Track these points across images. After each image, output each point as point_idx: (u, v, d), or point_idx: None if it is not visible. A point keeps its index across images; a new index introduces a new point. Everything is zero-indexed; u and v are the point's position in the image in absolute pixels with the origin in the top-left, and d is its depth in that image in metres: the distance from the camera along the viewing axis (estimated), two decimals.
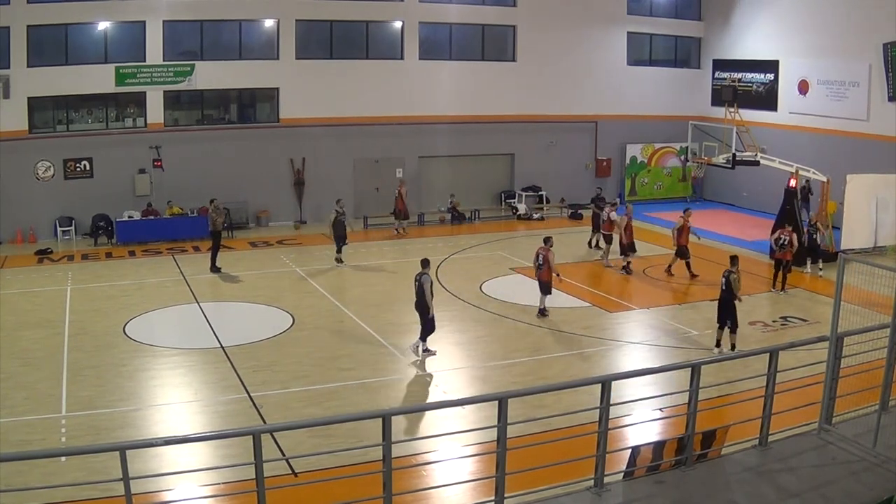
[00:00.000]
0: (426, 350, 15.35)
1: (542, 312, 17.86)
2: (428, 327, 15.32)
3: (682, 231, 20.89)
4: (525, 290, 19.81)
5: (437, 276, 21.47)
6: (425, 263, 15.58)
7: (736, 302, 15.31)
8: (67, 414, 12.65)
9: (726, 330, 15.49)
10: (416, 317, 17.91)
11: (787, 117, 29.49)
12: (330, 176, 28.74)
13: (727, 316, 15.38)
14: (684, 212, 21.55)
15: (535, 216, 29.94)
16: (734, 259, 15.92)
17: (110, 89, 26.01)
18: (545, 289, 17.94)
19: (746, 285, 20.49)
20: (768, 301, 19.53)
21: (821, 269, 21.49)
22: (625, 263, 21.64)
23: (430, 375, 14.56)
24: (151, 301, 19.05)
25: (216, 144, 27.33)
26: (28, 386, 13.71)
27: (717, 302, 15.67)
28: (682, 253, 20.92)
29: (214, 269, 21.78)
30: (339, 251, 22.40)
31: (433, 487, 10.06)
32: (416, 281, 15.41)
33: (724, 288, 15.34)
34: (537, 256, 17.93)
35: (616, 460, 9.11)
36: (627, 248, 21.66)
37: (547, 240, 18.25)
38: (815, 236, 21.56)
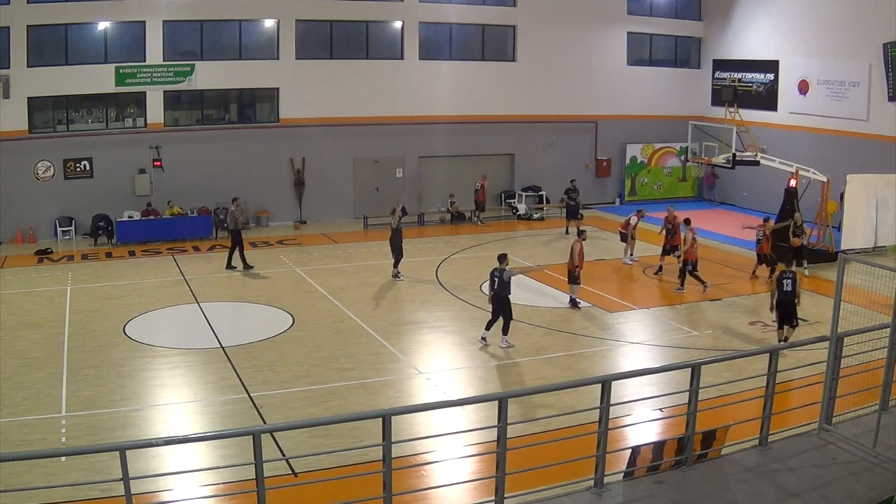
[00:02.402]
0: (506, 342, 15.65)
1: (573, 303, 18.38)
2: (508, 319, 15.66)
3: (766, 239, 20.50)
4: (525, 290, 19.81)
5: (437, 276, 21.52)
6: (502, 258, 15.86)
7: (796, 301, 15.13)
8: (67, 414, 12.65)
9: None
10: (417, 317, 18.01)
11: (787, 117, 29.49)
12: (330, 176, 28.77)
13: (792, 315, 15.12)
14: (765, 221, 21.05)
15: (535, 216, 29.95)
16: (793, 261, 15.97)
17: (110, 89, 26.00)
18: (569, 278, 18.39)
19: (748, 285, 20.62)
20: (768, 301, 19.50)
21: (805, 269, 21.15)
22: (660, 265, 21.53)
23: (430, 375, 14.57)
24: (151, 301, 19.04)
25: (216, 144, 27.34)
26: (28, 386, 13.71)
27: (777, 303, 15.25)
28: (766, 259, 20.51)
29: (231, 266, 21.97)
30: (395, 265, 21.09)
31: (433, 487, 10.06)
32: (493, 277, 15.64)
33: (788, 289, 14.93)
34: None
35: (616, 460, 9.11)
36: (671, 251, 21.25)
37: (581, 233, 18.81)
38: (800, 237, 21.06)
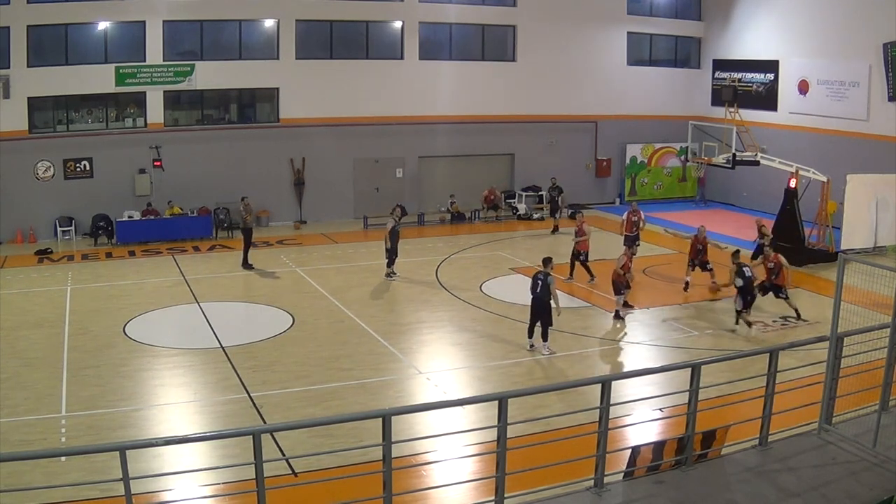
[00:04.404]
0: (548, 349, 15.48)
1: (617, 314, 17.90)
2: (548, 325, 15.41)
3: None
4: (525, 290, 19.81)
5: (437, 276, 21.53)
6: (547, 262, 15.73)
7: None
8: (67, 414, 12.65)
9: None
10: (417, 317, 18.01)
11: (787, 117, 29.49)
12: (330, 176, 28.78)
13: (751, 299, 16.96)
14: (765, 247, 18.93)
15: (535, 216, 29.95)
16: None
17: (110, 89, 26.00)
18: (614, 288, 17.99)
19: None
20: (768, 301, 19.50)
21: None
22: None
23: (430, 375, 14.57)
24: (151, 301, 19.04)
25: (216, 144, 27.34)
26: (28, 386, 13.71)
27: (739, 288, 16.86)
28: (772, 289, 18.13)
29: (246, 265, 22.03)
30: (390, 264, 21.14)
31: (433, 487, 10.06)
32: (536, 279, 15.38)
33: (748, 275, 16.76)
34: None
35: (616, 460, 9.11)
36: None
37: (631, 243, 19.08)
38: (761, 241, 20.20)
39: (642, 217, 22.21)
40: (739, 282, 16.75)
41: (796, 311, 17.64)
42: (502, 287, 20.33)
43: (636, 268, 21.71)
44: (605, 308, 18.58)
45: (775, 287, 17.72)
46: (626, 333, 17.07)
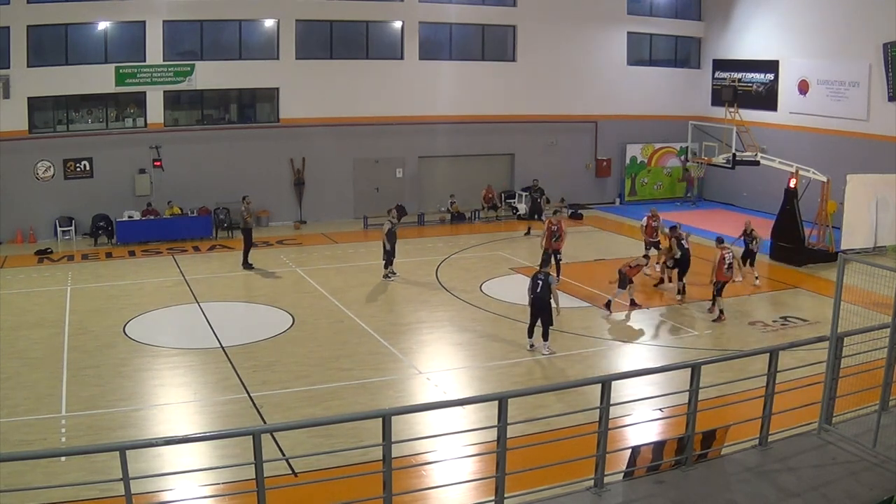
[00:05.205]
0: (548, 349, 15.48)
1: (608, 304, 18.20)
2: (549, 324, 15.43)
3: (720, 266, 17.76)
4: (525, 290, 19.81)
5: (436, 276, 21.52)
6: (546, 262, 15.97)
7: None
8: (67, 414, 12.65)
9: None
10: (417, 317, 18.00)
11: (787, 117, 29.49)
12: (330, 176, 28.78)
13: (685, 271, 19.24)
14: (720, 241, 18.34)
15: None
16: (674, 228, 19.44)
17: (110, 89, 25.99)
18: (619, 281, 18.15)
19: (746, 286, 20.56)
20: (768, 301, 19.53)
21: (756, 279, 20.64)
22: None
23: (430, 375, 14.57)
24: (151, 301, 19.04)
25: (216, 144, 27.34)
26: (28, 386, 13.71)
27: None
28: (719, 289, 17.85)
29: (246, 265, 22.05)
30: (388, 264, 21.12)
31: (433, 487, 10.06)
32: (536, 279, 15.41)
33: (687, 247, 19.15)
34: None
35: (616, 460, 9.10)
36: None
37: (646, 257, 19.93)
38: (751, 245, 20.44)
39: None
40: (678, 253, 18.83)
41: (720, 312, 17.62)
42: (502, 287, 20.33)
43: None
44: (605, 308, 18.57)
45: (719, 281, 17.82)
46: (625, 333, 17.06)
